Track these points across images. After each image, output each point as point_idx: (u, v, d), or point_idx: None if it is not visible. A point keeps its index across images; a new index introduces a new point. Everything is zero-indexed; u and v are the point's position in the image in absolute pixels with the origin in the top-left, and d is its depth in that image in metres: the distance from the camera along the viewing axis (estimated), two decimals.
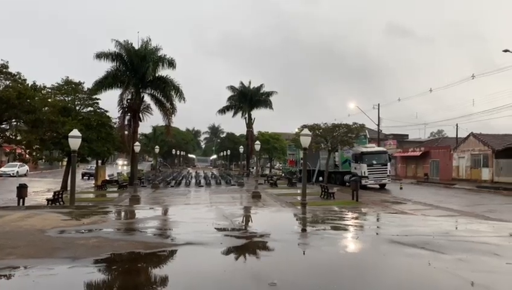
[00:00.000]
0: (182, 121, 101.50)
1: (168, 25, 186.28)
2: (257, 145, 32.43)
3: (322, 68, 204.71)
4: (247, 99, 59.04)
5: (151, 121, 74.59)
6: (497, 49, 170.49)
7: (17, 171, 46.01)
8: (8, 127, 24.52)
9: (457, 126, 52.01)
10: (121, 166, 73.59)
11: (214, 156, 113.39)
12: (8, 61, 22.00)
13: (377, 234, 5.87)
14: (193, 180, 43.96)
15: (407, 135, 69.64)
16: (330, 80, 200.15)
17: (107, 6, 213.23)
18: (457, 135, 51.45)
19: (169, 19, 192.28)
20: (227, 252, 3.90)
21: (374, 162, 34.81)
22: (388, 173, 35.62)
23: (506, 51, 30.73)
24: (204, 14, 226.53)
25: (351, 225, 6.80)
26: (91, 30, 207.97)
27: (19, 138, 24.06)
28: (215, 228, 5.58)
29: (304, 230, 6.00)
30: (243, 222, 6.78)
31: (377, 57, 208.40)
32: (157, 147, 48.08)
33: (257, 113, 60.25)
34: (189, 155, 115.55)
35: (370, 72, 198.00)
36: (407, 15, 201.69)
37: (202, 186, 38.04)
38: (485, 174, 41.07)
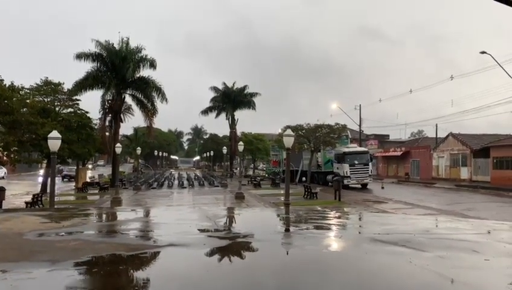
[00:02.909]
0: (164, 122, 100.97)
1: (132, 24, 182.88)
2: (240, 146, 32.35)
3: (292, 69, 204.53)
4: (230, 100, 58.89)
5: (132, 122, 73.73)
6: (466, 52, 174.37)
7: None
8: None
9: (436, 126, 52.96)
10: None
11: (197, 157, 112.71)
12: None
13: (359, 233, 5.94)
14: (176, 182, 43.62)
15: (388, 135, 70.52)
16: (300, 80, 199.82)
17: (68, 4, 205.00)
18: (436, 135, 52.38)
19: (132, 19, 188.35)
20: (211, 253, 3.89)
21: (356, 162, 35.15)
22: (370, 173, 35.97)
23: (483, 52, 31.42)
24: (167, 13, 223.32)
25: (334, 224, 6.86)
26: (53, 30, 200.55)
27: None
28: (199, 229, 5.56)
29: (287, 230, 6.03)
30: (226, 222, 6.78)
31: (349, 58, 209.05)
32: (138, 148, 47.45)
33: (238, 114, 60.18)
34: (172, 156, 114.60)
35: (340, 74, 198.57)
36: (377, 17, 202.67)
37: (185, 187, 37.73)
38: (464, 173, 41.91)
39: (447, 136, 46.21)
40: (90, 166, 50.29)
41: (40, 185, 27.92)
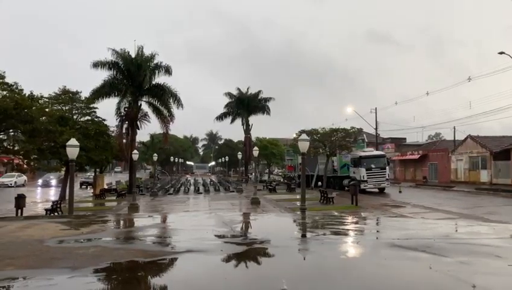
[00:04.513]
0: (179, 128, 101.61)
1: (132, 33, 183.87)
2: (255, 151, 32.36)
3: (296, 73, 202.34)
4: (244, 105, 59.18)
5: (149, 128, 74.60)
6: (473, 55, 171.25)
7: (15, 182, 45.83)
8: (5, 138, 24.38)
9: (454, 129, 52.20)
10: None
11: (212, 163, 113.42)
12: (4, 72, 21.98)
13: (377, 238, 5.85)
14: (192, 188, 43.87)
15: (405, 139, 69.66)
16: (304, 84, 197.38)
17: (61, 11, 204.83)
18: (454, 137, 51.59)
19: (132, 28, 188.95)
20: (228, 259, 3.89)
21: (373, 166, 34.82)
22: (387, 177, 35.58)
23: (501, 53, 30.87)
24: (167, 22, 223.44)
25: (351, 230, 6.79)
26: (50, 38, 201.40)
27: (16, 148, 23.99)
28: (215, 235, 5.57)
29: (304, 236, 5.98)
30: (242, 228, 6.77)
31: (354, 62, 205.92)
32: (155, 154, 47.97)
33: (253, 119, 60.29)
34: (188, 162, 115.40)
35: (345, 78, 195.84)
36: (384, 20, 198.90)
37: (201, 193, 37.92)
38: (484, 176, 41.10)
39: (466, 138, 45.39)
40: (89, 174, 50.22)
41: (59, 191, 28.38)
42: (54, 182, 46.16)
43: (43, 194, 35.79)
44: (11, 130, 23.92)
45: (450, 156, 46.85)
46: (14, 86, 22.62)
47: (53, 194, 33.98)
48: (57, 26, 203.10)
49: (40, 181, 47.05)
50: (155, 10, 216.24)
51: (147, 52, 38.63)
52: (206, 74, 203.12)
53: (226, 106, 61.56)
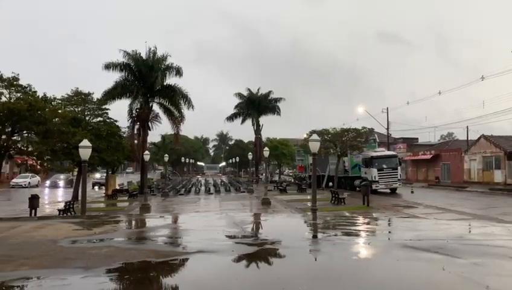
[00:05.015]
0: (190, 129, 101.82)
1: (138, 34, 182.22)
2: (266, 152, 32.27)
3: (301, 73, 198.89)
4: (255, 106, 59.15)
5: (160, 129, 75.06)
6: (479, 54, 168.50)
7: (29, 182, 46.40)
8: (19, 139, 24.66)
9: (467, 128, 51.45)
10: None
11: (223, 163, 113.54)
12: (18, 74, 22.24)
13: (389, 239, 5.81)
14: (203, 188, 43.95)
15: (416, 139, 68.81)
16: (310, 85, 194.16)
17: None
18: (467, 137, 50.85)
19: (138, 29, 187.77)
20: (239, 259, 3.90)
21: (384, 166, 34.49)
22: (399, 177, 35.18)
23: None
24: (173, 23, 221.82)
25: (363, 231, 6.75)
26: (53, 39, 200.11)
27: (30, 149, 24.27)
28: (226, 236, 5.59)
29: (315, 236, 5.97)
30: (253, 229, 6.78)
31: (360, 62, 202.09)
32: (166, 155, 48.17)
33: (263, 119, 60.19)
34: (198, 163, 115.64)
35: (351, 77, 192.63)
36: (391, 21, 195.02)
37: (212, 193, 37.92)
38: (498, 176, 40.43)
39: (479, 138, 44.75)
40: (98, 175, 50.21)
41: (72, 192, 28.69)
42: (62, 183, 46.39)
43: (51, 195, 36.16)
44: (25, 132, 24.25)
45: (463, 156, 46.26)
46: (28, 88, 22.92)
47: (61, 195, 34.33)
48: (57, 26, 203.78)
49: (48, 182, 47.28)
50: (162, 11, 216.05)
51: (158, 53, 38.85)
52: (215, 74, 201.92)
53: (237, 106, 61.61)
